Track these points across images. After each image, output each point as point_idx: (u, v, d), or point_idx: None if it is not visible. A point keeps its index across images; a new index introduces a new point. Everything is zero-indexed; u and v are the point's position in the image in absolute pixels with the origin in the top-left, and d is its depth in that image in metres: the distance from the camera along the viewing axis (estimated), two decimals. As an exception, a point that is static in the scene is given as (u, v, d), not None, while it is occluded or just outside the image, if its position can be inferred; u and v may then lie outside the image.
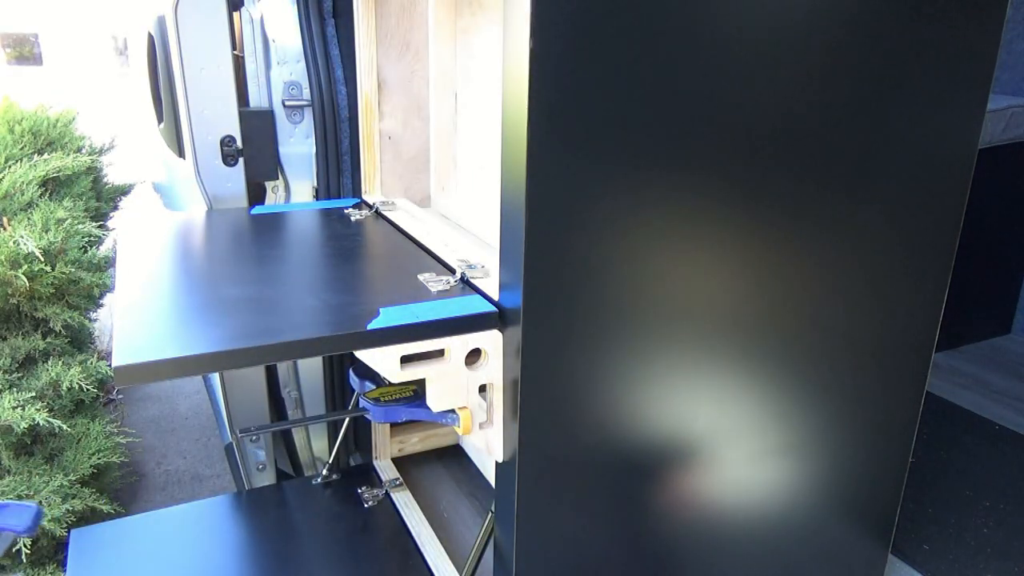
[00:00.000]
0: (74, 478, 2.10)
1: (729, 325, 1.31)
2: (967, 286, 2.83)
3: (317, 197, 2.04)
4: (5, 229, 2.12)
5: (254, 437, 2.16)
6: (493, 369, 1.25)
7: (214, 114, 1.87)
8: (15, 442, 2.06)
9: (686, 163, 1.18)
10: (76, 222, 2.25)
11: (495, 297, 1.27)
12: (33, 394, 2.04)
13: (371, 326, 1.17)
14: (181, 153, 1.94)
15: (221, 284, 1.35)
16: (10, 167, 2.33)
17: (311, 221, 1.78)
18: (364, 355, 1.21)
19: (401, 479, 2.02)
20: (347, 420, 2.05)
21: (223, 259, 1.49)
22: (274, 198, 2.04)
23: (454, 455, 2.20)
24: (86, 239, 2.29)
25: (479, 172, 1.78)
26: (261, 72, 1.93)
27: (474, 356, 1.26)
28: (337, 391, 2.18)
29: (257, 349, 1.12)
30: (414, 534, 1.79)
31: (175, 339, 1.13)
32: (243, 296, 1.29)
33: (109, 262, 2.39)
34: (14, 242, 2.03)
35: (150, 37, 1.94)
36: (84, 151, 2.91)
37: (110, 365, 2.18)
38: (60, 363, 2.17)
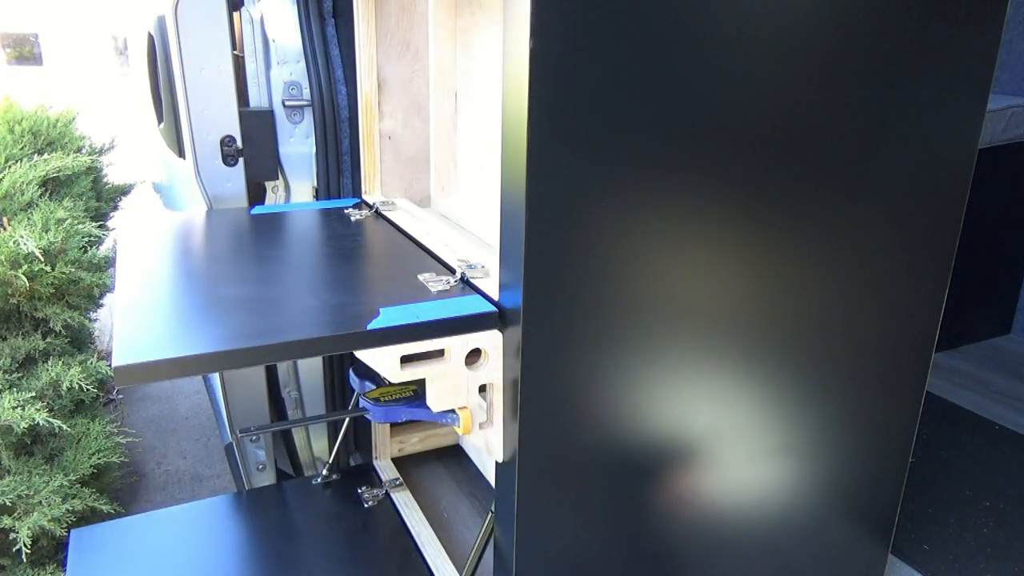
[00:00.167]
0: (74, 478, 2.10)
1: (729, 325, 1.31)
2: (967, 286, 2.83)
3: (317, 197, 2.04)
4: (5, 229, 2.12)
5: (254, 437, 2.16)
6: (493, 369, 1.25)
7: (214, 114, 1.87)
8: (15, 442, 2.06)
9: (686, 163, 1.18)
10: (76, 222, 2.25)
11: (495, 297, 1.27)
12: (33, 394, 2.04)
13: (371, 326, 1.17)
14: (181, 153, 1.94)
15: (221, 284, 1.35)
16: (10, 167, 2.33)
17: (311, 221, 1.78)
18: (364, 355, 1.21)
19: (401, 479, 2.02)
20: (347, 420, 2.05)
21: (223, 259, 1.49)
22: (274, 198, 2.04)
23: (454, 455, 2.20)
24: (86, 239, 2.29)
25: (479, 172, 1.78)
26: (261, 72, 1.93)
27: (474, 356, 1.26)
28: (337, 391, 2.18)
29: (257, 349, 1.12)
30: (414, 534, 1.79)
31: (175, 339, 1.13)
32: (243, 296, 1.29)
33: (109, 262, 2.39)
34: (14, 242, 2.03)
35: (150, 37, 1.94)
36: (84, 151, 2.91)
37: (110, 365, 2.18)
38: (60, 363, 2.17)
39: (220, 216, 1.82)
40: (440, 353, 1.24)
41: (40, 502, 2.00)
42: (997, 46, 1.34)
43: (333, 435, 2.21)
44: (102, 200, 2.94)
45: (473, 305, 1.26)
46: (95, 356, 2.37)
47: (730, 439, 1.40)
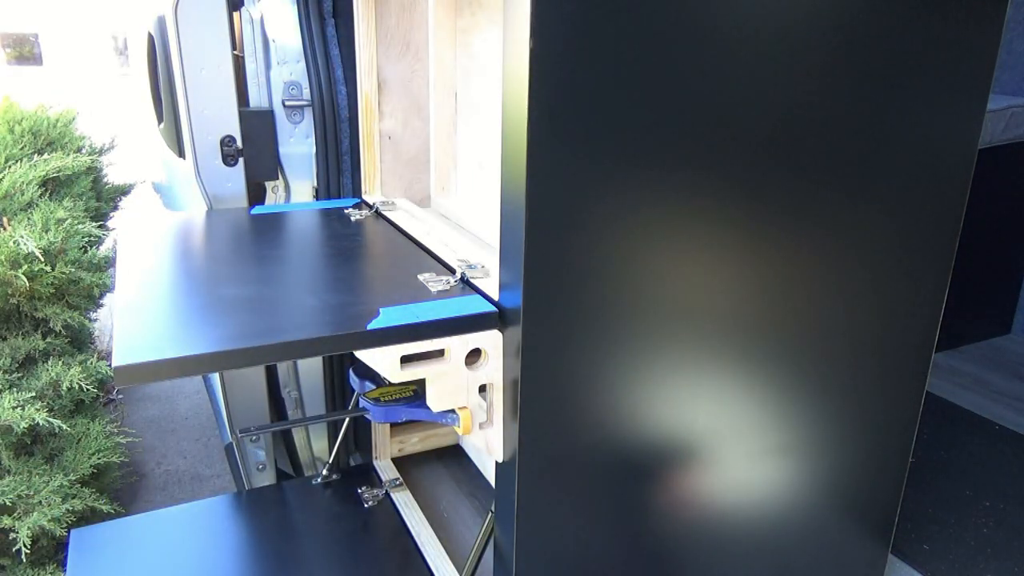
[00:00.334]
0: (74, 478, 2.10)
1: (729, 325, 1.31)
2: (967, 286, 2.83)
3: (317, 197, 2.04)
4: (5, 229, 2.12)
5: (254, 437, 2.16)
6: (493, 369, 1.25)
7: (214, 114, 1.87)
8: (15, 442, 2.06)
9: (686, 163, 1.18)
10: (76, 222, 2.25)
11: (495, 297, 1.27)
12: (33, 394, 2.04)
13: (371, 326, 1.17)
14: (181, 153, 1.94)
15: (221, 284, 1.35)
16: (10, 167, 2.33)
17: (311, 221, 1.78)
18: (364, 355, 1.21)
19: (401, 479, 2.02)
20: (347, 420, 2.05)
21: (223, 259, 1.49)
22: (274, 198, 2.04)
23: (454, 455, 2.20)
24: (86, 239, 2.29)
25: (479, 172, 1.78)
26: (261, 72, 1.93)
27: (474, 356, 1.26)
28: (337, 391, 2.18)
29: (257, 349, 1.12)
30: (414, 534, 1.79)
31: (175, 339, 1.13)
32: (243, 296, 1.29)
33: (109, 262, 2.39)
34: (14, 242, 2.03)
35: (150, 37, 1.94)
36: (84, 151, 2.91)
37: (110, 365, 2.18)
38: (60, 363, 2.17)
39: (220, 216, 1.82)
40: (440, 353, 1.24)
41: (40, 502, 2.00)
42: (997, 46, 1.34)
43: (333, 435, 2.21)
44: (102, 200, 2.94)
45: (473, 305, 1.26)
46: (95, 356, 2.37)
47: (730, 439, 1.40)
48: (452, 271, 1.43)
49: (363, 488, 1.96)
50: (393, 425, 2.15)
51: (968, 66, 1.33)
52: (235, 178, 1.93)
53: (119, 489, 2.60)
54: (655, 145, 1.15)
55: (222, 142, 1.89)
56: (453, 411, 1.30)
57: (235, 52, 1.88)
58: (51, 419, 1.98)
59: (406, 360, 1.22)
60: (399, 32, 1.96)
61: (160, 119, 2.04)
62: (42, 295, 2.17)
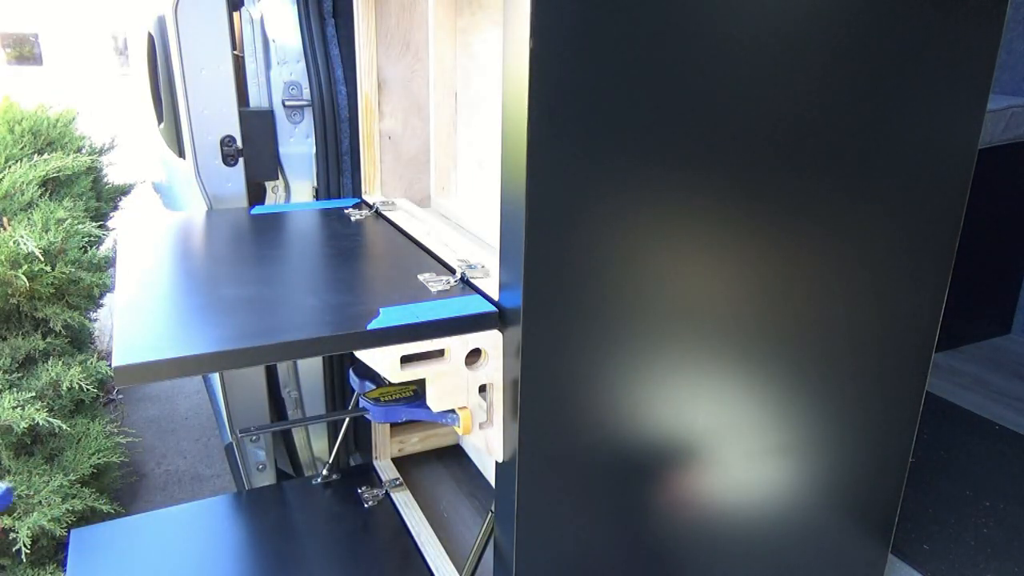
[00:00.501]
0: (74, 478, 2.10)
1: (729, 325, 1.31)
2: (967, 286, 2.83)
3: (317, 197, 2.04)
4: (5, 229, 2.12)
5: (254, 437, 2.16)
6: (493, 369, 1.25)
7: (214, 114, 1.87)
8: (15, 442, 2.06)
9: (686, 162, 1.18)
10: (76, 222, 2.25)
11: (495, 297, 1.27)
12: (33, 394, 2.04)
13: (371, 326, 1.17)
14: (181, 153, 1.94)
15: (221, 284, 1.35)
16: (10, 167, 2.33)
17: (311, 221, 1.78)
18: (364, 355, 1.21)
19: (401, 479, 2.02)
20: (347, 420, 2.05)
21: (223, 259, 1.49)
22: (274, 198, 2.04)
23: (454, 455, 2.20)
24: (86, 239, 2.29)
25: (479, 172, 1.78)
26: (261, 72, 1.93)
27: (474, 356, 1.26)
28: (337, 391, 2.18)
29: (257, 349, 1.12)
30: (414, 534, 1.79)
31: (175, 339, 1.13)
32: (243, 296, 1.29)
33: (109, 262, 2.39)
34: (14, 242, 2.03)
35: (150, 37, 1.94)
36: (84, 151, 2.91)
37: (110, 365, 2.18)
38: (60, 363, 2.17)
39: (220, 216, 1.82)
40: (440, 353, 1.24)
41: (40, 502, 2.00)
42: (997, 46, 1.34)
43: (333, 435, 2.21)
44: (102, 200, 2.94)
45: (473, 305, 1.26)
46: (95, 356, 2.37)
47: (730, 439, 1.40)
48: (452, 271, 1.43)
49: (363, 488, 1.96)
50: (393, 425, 2.15)
51: (968, 66, 1.33)
52: (235, 178, 1.93)
53: (119, 489, 2.60)
54: (655, 145, 1.15)
55: (222, 142, 1.89)
56: (453, 411, 1.30)
57: (235, 52, 1.88)
58: (51, 419, 1.98)
59: (406, 360, 1.22)
60: (399, 32, 1.96)
61: (160, 119, 2.04)
62: (42, 295, 2.17)
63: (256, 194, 2.02)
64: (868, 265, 1.38)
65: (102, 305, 2.67)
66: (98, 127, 3.44)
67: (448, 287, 1.34)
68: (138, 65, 2.45)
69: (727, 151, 1.20)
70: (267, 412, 2.13)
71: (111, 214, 3.09)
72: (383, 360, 1.20)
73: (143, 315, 1.21)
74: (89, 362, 2.24)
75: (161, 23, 1.84)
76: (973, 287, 2.89)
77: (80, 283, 2.23)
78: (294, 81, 1.94)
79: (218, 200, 1.93)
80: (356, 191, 2.06)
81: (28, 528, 1.93)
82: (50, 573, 2.08)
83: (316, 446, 2.26)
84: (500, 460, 1.29)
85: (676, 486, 1.39)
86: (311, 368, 2.15)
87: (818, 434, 1.48)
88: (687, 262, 1.24)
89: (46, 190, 2.45)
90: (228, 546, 1.72)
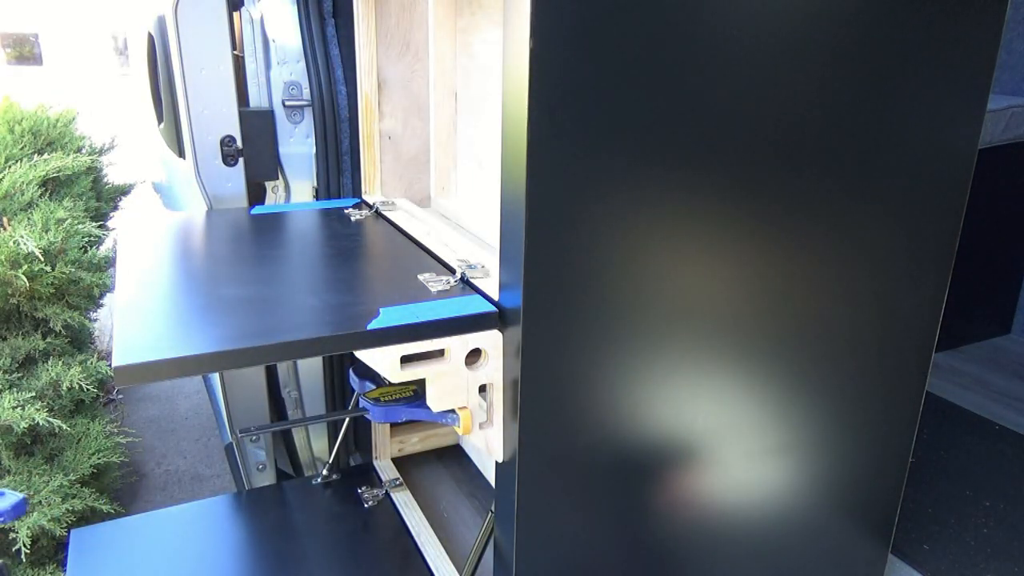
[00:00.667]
0: (74, 478, 2.10)
1: (729, 324, 1.31)
2: (967, 286, 2.83)
3: (317, 197, 2.05)
4: (5, 229, 2.12)
5: (254, 437, 2.16)
6: (493, 369, 1.25)
7: (214, 114, 1.87)
8: (15, 442, 2.06)
9: (686, 163, 1.18)
10: (76, 222, 2.25)
11: (495, 297, 1.27)
12: (33, 394, 2.04)
13: (371, 326, 1.17)
14: (181, 153, 1.94)
15: (221, 284, 1.35)
16: (10, 167, 2.33)
17: (311, 221, 1.78)
18: (364, 355, 1.21)
19: (401, 479, 2.02)
20: (347, 420, 2.05)
21: (223, 259, 1.49)
22: (274, 198, 2.04)
23: (454, 455, 2.20)
24: (86, 239, 2.29)
25: (479, 172, 1.78)
26: (261, 72, 1.93)
27: (474, 356, 1.26)
28: (337, 391, 2.18)
29: (257, 349, 1.12)
30: (414, 534, 1.79)
31: (175, 339, 1.13)
32: (243, 296, 1.29)
33: (109, 262, 2.39)
34: (14, 242, 2.03)
35: (150, 37, 1.94)
36: (84, 151, 2.91)
37: (110, 365, 2.18)
38: (60, 363, 2.17)
39: (220, 216, 1.82)
40: (440, 353, 1.24)
41: (40, 502, 2.00)
42: (997, 46, 1.34)
43: (333, 435, 2.21)
44: (102, 200, 2.94)
45: (473, 305, 1.26)
46: (95, 356, 2.37)
47: (730, 439, 1.40)
48: (452, 271, 1.43)
49: (363, 488, 1.96)
50: (393, 425, 2.15)
51: (968, 66, 1.33)
52: (235, 178, 1.93)
53: (119, 489, 2.60)
54: (655, 144, 1.15)
55: (222, 142, 1.89)
56: (453, 411, 1.30)
57: (235, 52, 1.88)
58: (51, 419, 1.98)
59: (406, 360, 1.22)
60: (399, 32, 1.96)
61: (160, 119, 2.04)
62: (42, 295, 2.17)
63: (256, 194, 2.02)
64: (868, 265, 1.38)
65: (102, 305, 2.67)
66: (98, 127, 3.44)
67: (448, 287, 1.34)
68: (138, 65, 2.45)
69: (727, 151, 1.20)
70: (267, 412, 2.13)
71: (111, 214, 3.09)
72: (383, 360, 1.20)
73: (143, 315, 1.21)
74: (89, 362, 2.24)
75: (161, 23, 1.84)
76: (973, 287, 2.89)
77: (80, 283, 2.23)
78: (294, 81, 1.94)
79: (218, 200, 1.93)
80: (356, 191, 2.06)
81: (28, 528, 1.93)
82: (50, 573, 2.08)
83: (316, 446, 2.26)
84: (500, 460, 1.29)
85: (676, 486, 1.39)
86: (311, 368, 2.15)
87: (818, 434, 1.48)
88: (687, 262, 1.24)
89: (46, 190, 2.45)
90: (228, 546, 1.72)
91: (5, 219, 2.17)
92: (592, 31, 1.06)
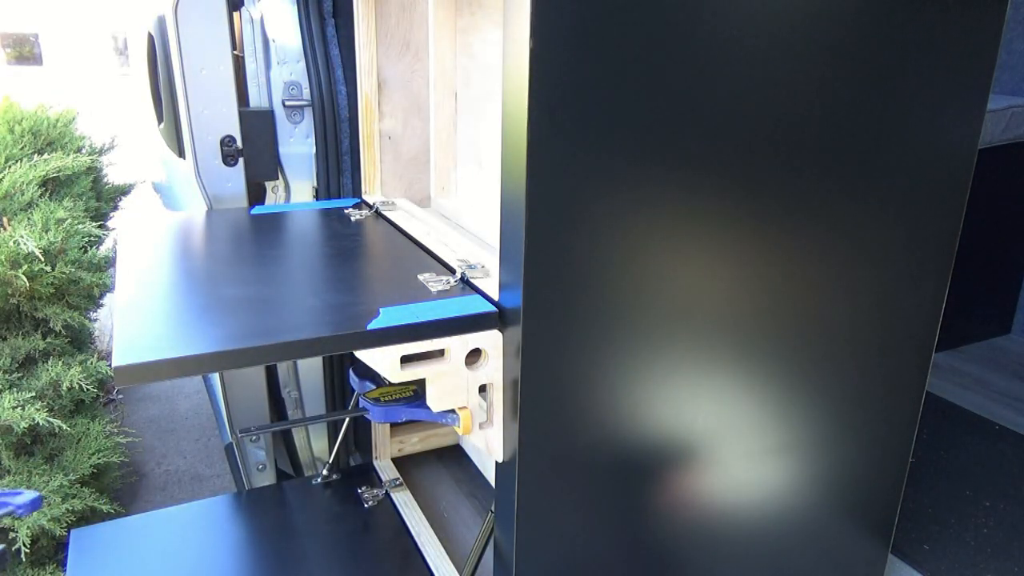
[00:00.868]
0: (74, 478, 2.10)
1: (729, 324, 1.31)
2: (967, 286, 2.83)
3: (317, 197, 2.05)
4: (5, 229, 2.13)
5: (254, 437, 2.16)
6: (493, 369, 1.25)
7: (214, 114, 1.87)
8: (15, 442, 2.06)
9: (687, 163, 1.18)
10: (76, 222, 2.25)
11: (495, 297, 1.27)
12: (33, 394, 2.04)
13: (371, 326, 1.17)
14: (181, 153, 1.94)
15: (221, 284, 1.35)
16: (10, 167, 2.33)
17: (311, 221, 1.78)
18: (364, 355, 1.21)
19: (401, 479, 2.02)
20: (347, 420, 2.05)
21: (223, 259, 1.49)
22: (274, 198, 2.04)
23: (454, 455, 2.20)
24: (86, 239, 2.29)
25: (479, 172, 1.78)
26: (261, 72, 1.93)
27: (474, 356, 1.26)
28: (337, 391, 2.18)
29: (257, 349, 1.12)
30: (414, 534, 1.79)
31: (175, 339, 1.13)
32: (243, 296, 1.29)
33: (109, 262, 2.39)
34: (14, 242, 2.03)
35: (150, 37, 1.94)
36: (84, 151, 2.91)
37: (110, 365, 2.18)
38: (60, 363, 2.17)
39: (220, 216, 1.82)
40: (440, 353, 1.24)
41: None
42: (997, 46, 1.34)
43: (333, 435, 2.21)
44: (102, 200, 2.94)
45: (473, 305, 1.26)
46: (95, 356, 2.37)
47: (730, 439, 1.40)
48: (452, 271, 1.43)
49: (363, 488, 1.96)
50: (393, 425, 2.15)
51: (968, 66, 1.33)
52: (235, 178, 1.93)
53: (119, 489, 2.60)
54: (655, 144, 1.15)
55: (222, 142, 1.89)
56: (453, 411, 1.30)
57: (235, 52, 1.88)
58: (51, 419, 1.98)
59: (406, 360, 1.22)
60: (399, 32, 1.96)
61: (160, 119, 2.04)
62: (42, 295, 2.17)
63: (256, 194, 2.02)
64: (868, 265, 1.38)
65: (102, 305, 2.67)
66: (98, 127, 3.44)
67: (448, 287, 1.34)
68: (138, 65, 2.45)
69: (727, 151, 1.20)
70: (267, 412, 2.13)
71: (111, 214, 3.09)
72: (383, 360, 1.20)
73: (143, 315, 1.21)
74: (89, 362, 2.24)
75: (161, 23, 1.84)
76: (973, 287, 2.89)
77: (80, 283, 2.23)
78: (294, 81, 1.94)
79: (218, 200, 1.93)
80: (356, 191, 2.06)
81: (28, 528, 1.93)
82: (50, 573, 2.08)
83: (316, 446, 2.26)
84: (500, 460, 1.29)
85: (676, 486, 1.39)
86: (311, 368, 2.15)
87: (818, 434, 1.48)
88: (687, 262, 1.24)
89: (46, 190, 2.45)
90: (228, 546, 1.72)
91: (5, 219, 2.17)
92: (592, 31, 1.06)
